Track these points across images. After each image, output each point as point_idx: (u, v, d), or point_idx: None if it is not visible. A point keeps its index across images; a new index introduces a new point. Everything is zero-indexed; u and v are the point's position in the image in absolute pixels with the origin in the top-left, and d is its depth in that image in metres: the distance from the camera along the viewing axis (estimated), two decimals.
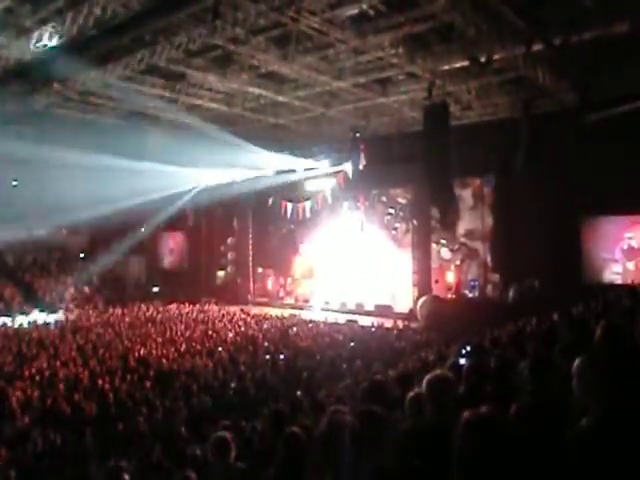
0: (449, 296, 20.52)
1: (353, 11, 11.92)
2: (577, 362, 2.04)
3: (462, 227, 20.82)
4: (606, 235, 17.78)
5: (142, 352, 13.82)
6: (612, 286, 15.74)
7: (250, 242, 27.74)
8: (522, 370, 3.11)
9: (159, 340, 15.57)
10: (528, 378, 2.94)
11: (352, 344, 15.05)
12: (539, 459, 1.89)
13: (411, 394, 3.31)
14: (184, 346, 14.73)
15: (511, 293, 18.54)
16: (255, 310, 23.16)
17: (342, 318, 20.50)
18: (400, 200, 23.17)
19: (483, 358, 5.16)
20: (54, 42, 12.08)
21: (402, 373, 5.53)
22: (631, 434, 1.66)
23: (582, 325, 4.73)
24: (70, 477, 7.06)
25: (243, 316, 20.98)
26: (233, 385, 11.08)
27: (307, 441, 2.90)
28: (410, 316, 20.30)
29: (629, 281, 16.47)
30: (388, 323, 18.74)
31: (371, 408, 3.29)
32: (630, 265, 17.32)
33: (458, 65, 13.72)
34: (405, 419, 3.26)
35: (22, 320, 20.04)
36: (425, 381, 3.13)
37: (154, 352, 13.87)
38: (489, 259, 20.22)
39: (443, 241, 21.20)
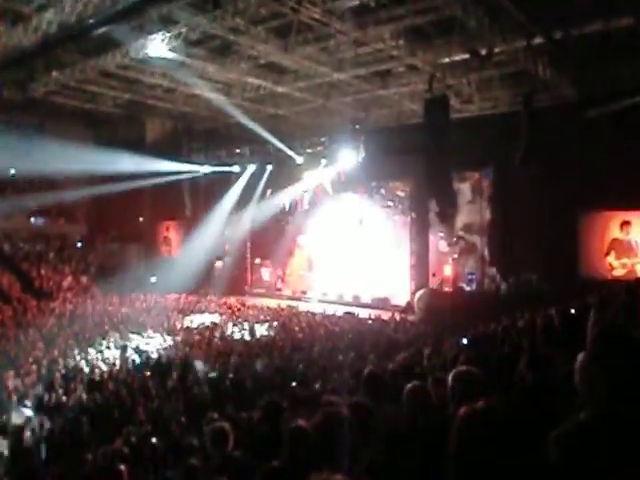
0: (446, 289, 20.57)
1: (354, 2, 11.87)
2: (579, 358, 2.05)
3: (460, 220, 20.83)
4: (604, 230, 17.81)
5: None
6: (609, 281, 15.79)
7: (248, 233, 27.70)
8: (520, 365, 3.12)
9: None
10: (525, 372, 2.95)
11: (350, 336, 15.09)
12: (532, 454, 1.90)
13: (409, 386, 3.33)
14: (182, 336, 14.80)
15: (503, 286, 18.63)
16: (252, 301, 23.20)
17: (339, 310, 20.54)
18: (399, 193, 23.15)
19: (478, 351, 5.19)
20: (53, 29, 12.02)
21: (400, 365, 5.55)
22: (626, 432, 1.67)
23: (578, 320, 4.75)
24: (67, 465, 7.09)
25: (239, 306, 21.07)
26: (230, 376, 11.11)
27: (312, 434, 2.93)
28: (407, 309, 20.35)
29: (626, 276, 16.53)
30: (385, 315, 18.80)
31: (363, 400, 3.32)
32: (626, 260, 17.37)
33: (459, 58, 13.70)
34: (402, 413, 3.29)
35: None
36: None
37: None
38: (487, 253, 20.25)
39: (441, 234, 21.25)
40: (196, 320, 18.41)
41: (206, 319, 18.84)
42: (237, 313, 19.66)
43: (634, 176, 14.72)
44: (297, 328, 16.58)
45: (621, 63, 13.63)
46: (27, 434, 7.82)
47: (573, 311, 6.87)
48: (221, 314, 19.67)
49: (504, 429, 1.82)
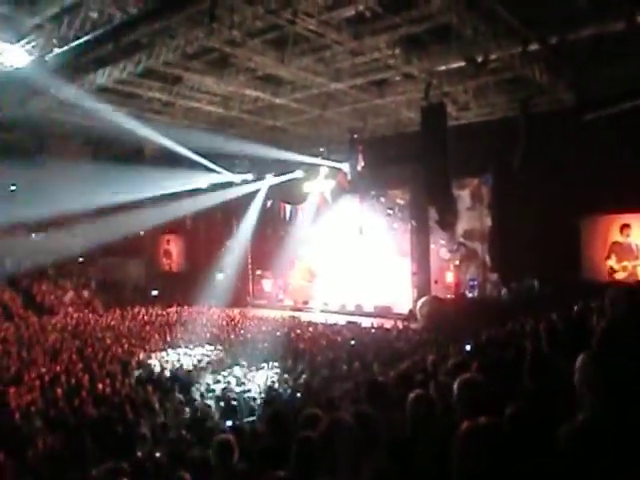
0: (448, 296, 20.53)
1: (349, 13, 11.93)
2: (580, 359, 2.05)
3: (461, 227, 20.85)
4: (604, 233, 17.81)
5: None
6: (611, 284, 15.75)
7: (249, 244, 27.71)
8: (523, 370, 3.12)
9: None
10: (528, 378, 2.95)
11: (353, 345, 15.06)
12: (535, 459, 1.89)
13: (412, 395, 3.32)
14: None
15: (503, 291, 18.63)
16: (254, 312, 23.16)
17: (342, 319, 20.49)
18: (399, 201, 23.19)
19: (481, 357, 5.17)
20: (51, 47, 12.08)
21: (402, 373, 5.53)
22: (626, 433, 1.67)
23: (581, 323, 4.74)
24: None
25: (239, 318, 21.03)
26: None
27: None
28: (410, 316, 20.31)
29: (627, 279, 16.49)
30: (388, 324, 18.75)
31: (366, 409, 3.31)
32: (627, 263, 17.35)
33: (455, 65, 13.73)
34: (405, 421, 3.27)
35: None
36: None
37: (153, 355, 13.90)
38: (488, 259, 20.25)
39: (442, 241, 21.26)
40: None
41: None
42: (238, 327, 19.47)
43: (633, 179, 14.73)
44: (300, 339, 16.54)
45: (618, 66, 13.65)
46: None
47: (576, 315, 6.85)
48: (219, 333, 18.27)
49: (506, 444, 1.81)
